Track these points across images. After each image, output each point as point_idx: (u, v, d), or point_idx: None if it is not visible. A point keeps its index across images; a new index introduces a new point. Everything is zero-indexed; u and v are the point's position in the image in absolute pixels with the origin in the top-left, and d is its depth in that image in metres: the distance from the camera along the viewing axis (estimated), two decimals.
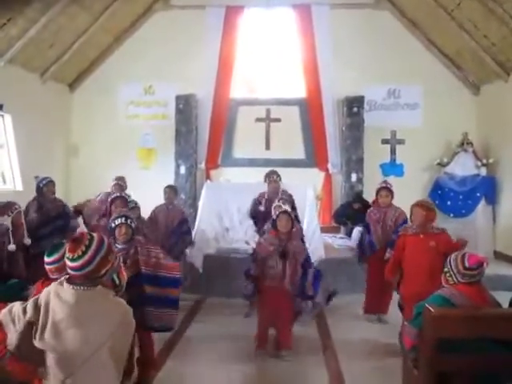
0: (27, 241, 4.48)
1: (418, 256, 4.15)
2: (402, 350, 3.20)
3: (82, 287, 2.04)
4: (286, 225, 4.26)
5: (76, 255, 2.07)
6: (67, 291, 2.02)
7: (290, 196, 5.72)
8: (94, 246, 2.11)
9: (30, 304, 2.01)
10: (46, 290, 2.06)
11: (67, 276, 2.10)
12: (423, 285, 3.97)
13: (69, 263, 2.08)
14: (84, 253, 2.08)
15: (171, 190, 5.90)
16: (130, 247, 3.65)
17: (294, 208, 5.64)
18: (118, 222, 3.65)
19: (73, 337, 1.97)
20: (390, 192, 5.26)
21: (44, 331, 1.96)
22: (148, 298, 3.56)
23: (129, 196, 5.39)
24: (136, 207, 5.19)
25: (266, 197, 5.70)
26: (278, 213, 4.32)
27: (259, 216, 5.71)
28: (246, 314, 4.69)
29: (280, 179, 5.85)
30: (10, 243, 4.21)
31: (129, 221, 3.67)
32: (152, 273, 3.63)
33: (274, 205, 5.08)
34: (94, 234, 2.19)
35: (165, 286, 3.67)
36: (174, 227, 5.77)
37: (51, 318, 1.97)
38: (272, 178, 5.77)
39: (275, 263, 4.23)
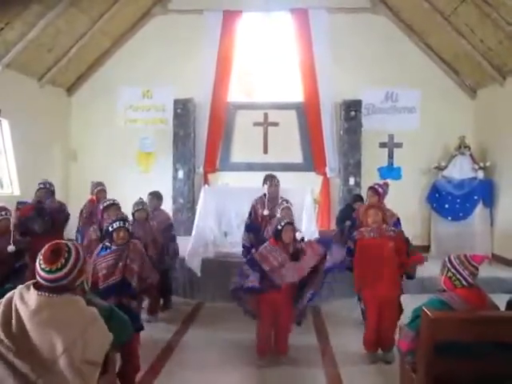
0: (11, 248, 4.46)
1: (379, 259, 4.12)
2: (399, 354, 3.21)
3: (47, 293, 1.98)
4: (290, 236, 4.23)
5: (54, 268, 2.00)
6: (31, 296, 1.96)
7: (287, 202, 5.68)
8: (72, 259, 2.05)
9: None
10: (10, 294, 2.02)
11: (35, 281, 2.04)
12: (386, 288, 4.11)
13: (43, 274, 2.01)
14: (63, 266, 2.02)
15: (153, 197, 5.86)
16: (124, 249, 3.68)
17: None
18: (115, 225, 3.68)
19: (36, 342, 1.92)
20: (376, 192, 5.18)
21: (11, 328, 1.92)
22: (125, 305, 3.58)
23: (140, 198, 5.41)
24: (143, 209, 5.21)
25: (266, 199, 5.64)
26: (283, 224, 4.23)
27: (259, 223, 5.62)
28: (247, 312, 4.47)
29: (279, 183, 5.77)
30: None
31: (126, 224, 3.71)
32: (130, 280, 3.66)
33: (281, 206, 5.07)
34: (71, 245, 2.12)
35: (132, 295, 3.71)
36: (161, 230, 5.64)
37: (15, 318, 1.93)
38: (273, 181, 5.70)
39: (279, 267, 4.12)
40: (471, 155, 8.04)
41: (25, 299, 1.97)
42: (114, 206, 4.84)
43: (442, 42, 8.32)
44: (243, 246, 5.70)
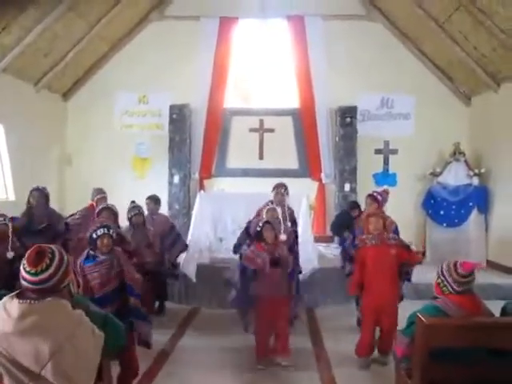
0: (10, 254, 4.44)
1: (380, 267, 4.17)
2: (394, 359, 3.21)
3: (28, 301, 1.99)
4: (271, 234, 4.26)
5: (39, 269, 2.03)
6: (13, 305, 1.97)
7: (292, 212, 5.64)
8: (56, 261, 2.08)
9: None
10: None
11: (19, 291, 2.06)
12: (386, 295, 4.14)
13: (28, 276, 2.03)
14: (48, 267, 2.04)
15: (151, 201, 5.91)
16: (113, 257, 3.68)
17: (295, 222, 5.60)
18: (99, 232, 3.66)
19: (21, 352, 1.91)
20: (375, 200, 5.20)
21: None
22: (132, 308, 3.61)
23: (133, 201, 5.40)
24: (139, 214, 5.20)
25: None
26: (261, 224, 4.29)
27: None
28: (245, 327, 4.49)
29: (287, 193, 5.69)
30: None
31: (110, 231, 3.69)
32: (132, 284, 3.67)
33: (266, 208, 5.07)
34: (54, 247, 2.15)
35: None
36: (164, 235, 5.71)
37: (1, 329, 1.94)
38: (279, 190, 5.60)
39: (269, 273, 4.17)
40: (466, 161, 8.07)
41: (7, 309, 1.97)
42: (107, 209, 4.85)
43: (436, 49, 8.38)
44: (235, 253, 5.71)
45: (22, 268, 2.07)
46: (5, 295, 2.07)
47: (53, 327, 1.98)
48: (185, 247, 6.08)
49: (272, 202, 5.56)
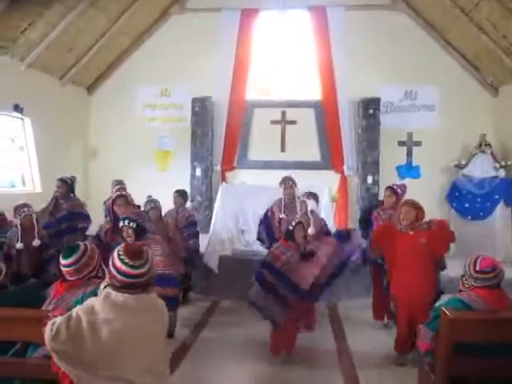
0: (36, 242, 4.59)
1: (410, 255, 4.02)
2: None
3: (136, 294, 2.05)
4: (302, 235, 4.26)
5: (138, 263, 2.07)
6: (128, 300, 2.02)
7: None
8: (149, 259, 2.15)
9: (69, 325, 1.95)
10: (84, 307, 2.02)
11: (106, 285, 2.10)
12: (417, 285, 3.99)
13: (128, 269, 2.05)
14: (145, 262, 2.10)
15: (178, 195, 5.99)
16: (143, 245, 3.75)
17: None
18: (121, 224, 3.90)
19: (137, 345, 2.00)
20: (394, 192, 5.09)
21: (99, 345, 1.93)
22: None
23: (149, 196, 5.47)
24: (156, 208, 5.26)
25: (283, 203, 5.54)
26: (294, 224, 4.26)
27: (273, 228, 5.56)
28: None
29: (295, 185, 5.63)
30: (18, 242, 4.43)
31: (126, 221, 3.86)
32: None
33: (300, 199, 5.06)
34: (147, 248, 2.27)
35: (165, 284, 3.85)
36: (182, 227, 5.73)
37: (107, 330, 1.95)
38: (287, 184, 5.58)
39: (294, 267, 4.13)
40: (492, 153, 7.88)
41: (118, 304, 2.00)
42: (121, 197, 4.95)
43: (462, 38, 8.18)
44: (259, 239, 5.76)
45: (118, 260, 2.08)
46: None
47: (161, 320, 2.18)
48: (195, 251, 5.93)
49: (282, 199, 5.54)
